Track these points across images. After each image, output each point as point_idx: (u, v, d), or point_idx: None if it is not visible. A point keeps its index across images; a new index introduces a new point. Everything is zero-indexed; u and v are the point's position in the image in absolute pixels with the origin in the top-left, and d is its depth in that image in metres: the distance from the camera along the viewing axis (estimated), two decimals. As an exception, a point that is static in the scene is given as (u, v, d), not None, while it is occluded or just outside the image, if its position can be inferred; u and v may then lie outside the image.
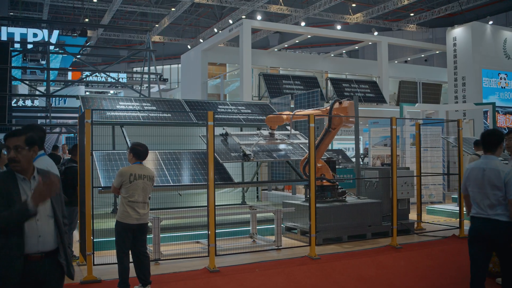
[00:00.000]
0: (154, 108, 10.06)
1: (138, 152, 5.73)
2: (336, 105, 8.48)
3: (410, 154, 13.22)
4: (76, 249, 7.34)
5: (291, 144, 9.53)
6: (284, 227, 8.99)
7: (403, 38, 30.70)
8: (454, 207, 10.99)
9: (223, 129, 9.62)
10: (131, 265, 5.65)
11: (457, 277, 6.32)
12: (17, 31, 23.47)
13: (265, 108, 11.65)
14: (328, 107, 8.62)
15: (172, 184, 8.03)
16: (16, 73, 21.72)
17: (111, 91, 34.07)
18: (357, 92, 19.70)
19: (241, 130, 10.92)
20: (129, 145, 8.87)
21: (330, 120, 8.42)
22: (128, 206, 5.52)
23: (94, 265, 6.24)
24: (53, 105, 19.71)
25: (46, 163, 4.12)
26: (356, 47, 28.52)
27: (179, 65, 30.91)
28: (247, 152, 8.74)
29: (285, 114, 9.42)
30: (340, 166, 14.80)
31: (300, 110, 9.77)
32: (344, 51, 29.42)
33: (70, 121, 20.62)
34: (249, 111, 11.09)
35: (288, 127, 9.30)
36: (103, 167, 7.95)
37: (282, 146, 9.59)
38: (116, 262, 5.64)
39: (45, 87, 17.77)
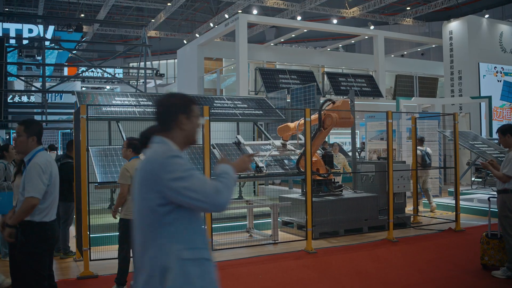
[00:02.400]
0: (150, 103, 10.05)
1: (137, 146, 5.66)
2: (329, 106, 8.44)
3: (406, 148, 13.24)
4: (72, 244, 7.35)
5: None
6: (280, 221, 9.02)
7: (399, 32, 30.66)
8: (450, 201, 11.03)
9: (236, 137, 9.66)
10: (131, 260, 5.65)
11: (453, 270, 6.35)
12: (12, 27, 23.34)
13: (261, 103, 11.64)
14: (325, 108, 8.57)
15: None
16: (12, 69, 21.61)
17: (107, 87, 33.97)
18: (353, 86, 19.70)
19: (238, 125, 10.91)
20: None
21: (321, 120, 8.37)
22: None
23: (90, 260, 6.25)
24: (49, 101, 19.63)
25: (45, 158, 4.10)
26: (353, 41, 28.50)
27: (176, 60, 30.83)
28: (260, 165, 8.76)
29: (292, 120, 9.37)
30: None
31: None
32: (340, 45, 29.41)
33: (64, 117, 20.54)
34: (245, 105, 11.07)
35: (300, 136, 9.28)
36: (99, 163, 7.93)
37: (294, 157, 9.57)
38: (112, 257, 5.64)
39: (41, 83, 17.69)
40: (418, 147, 11.06)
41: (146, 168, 2.35)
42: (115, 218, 5.49)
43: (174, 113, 2.48)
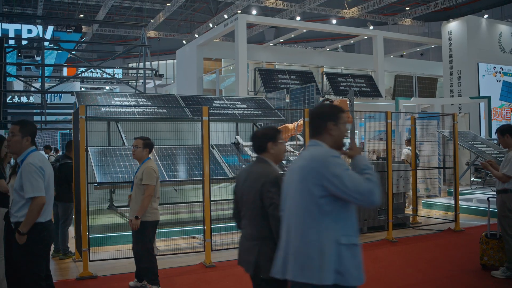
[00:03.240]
0: (150, 103, 10.04)
1: (152, 146, 5.62)
2: None
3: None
4: (72, 245, 7.34)
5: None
6: (280, 221, 8.99)
7: (398, 32, 30.69)
8: (450, 201, 11.03)
9: (235, 137, 9.66)
10: (131, 260, 5.63)
11: (453, 270, 6.35)
12: (11, 27, 23.37)
13: (260, 103, 11.64)
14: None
15: (167, 179, 8.02)
16: (11, 69, 21.61)
17: (107, 87, 33.99)
18: (352, 87, 19.68)
19: (237, 125, 10.91)
20: (125, 141, 8.87)
21: None
22: (155, 202, 5.46)
23: (90, 261, 6.23)
24: (48, 101, 19.63)
25: (38, 158, 4.09)
26: (352, 42, 28.50)
27: (175, 61, 30.82)
28: None
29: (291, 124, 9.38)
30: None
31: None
32: (339, 46, 29.40)
33: (61, 118, 20.53)
34: (245, 106, 11.06)
35: (299, 137, 9.27)
36: (99, 163, 7.92)
37: (292, 158, 9.56)
38: (112, 258, 5.62)
39: (40, 84, 17.69)
40: (407, 147, 11.28)
41: (311, 165, 2.76)
42: (137, 219, 5.26)
43: (324, 121, 2.91)
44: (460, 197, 10.19)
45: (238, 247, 3.51)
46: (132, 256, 5.63)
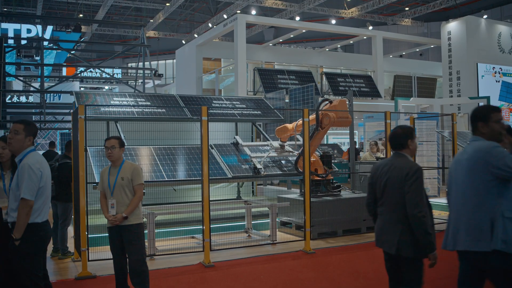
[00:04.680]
0: (149, 103, 10.04)
1: (124, 145, 5.33)
2: (327, 105, 8.43)
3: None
4: (71, 245, 7.34)
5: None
6: (279, 221, 9.01)
7: (398, 33, 30.69)
8: (449, 201, 11.03)
9: (234, 137, 9.66)
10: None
11: (452, 270, 6.34)
12: (10, 27, 23.34)
13: (260, 103, 11.64)
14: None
15: (166, 179, 8.02)
16: (10, 69, 21.60)
17: (106, 87, 33.96)
18: (352, 87, 19.70)
19: (236, 126, 10.91)
20: (124, 141, 8.85)
21: (318, 119, 8.37)
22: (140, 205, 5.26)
23: (89, 261, 6.24)
24: (47, 101, 19.61)
25: (35, 159, 4.07)
26: (351, 42, 28.52)
27: (174, 61, 30.82)
28: (258, 166, 8.75)
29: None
30: (336, 161, 14.83)
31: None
32: (339, 46, 29.42)
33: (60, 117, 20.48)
34: (244, 106, 11.07)
35: (298, 136, 9.27)
36: (98, 163, 7.92)
37: (292, 158, 9.57)
38: (111, 258, 5.57)
39: (39, 83, 17.68)
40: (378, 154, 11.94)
41: (477, 156, 3.45)
42: (120, 222, 4.98)
43: (475, 121, 3.65)
44: (459, 197, 10.16)
45: (376, 230, 4.06)
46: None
